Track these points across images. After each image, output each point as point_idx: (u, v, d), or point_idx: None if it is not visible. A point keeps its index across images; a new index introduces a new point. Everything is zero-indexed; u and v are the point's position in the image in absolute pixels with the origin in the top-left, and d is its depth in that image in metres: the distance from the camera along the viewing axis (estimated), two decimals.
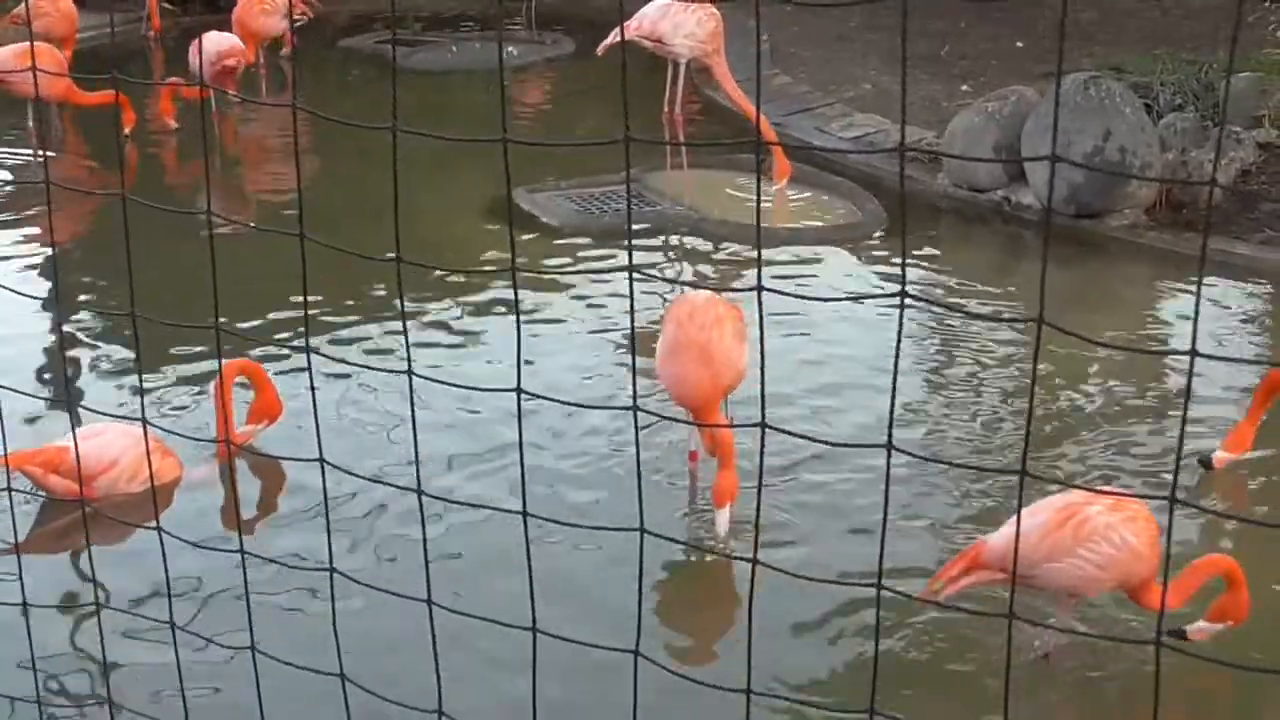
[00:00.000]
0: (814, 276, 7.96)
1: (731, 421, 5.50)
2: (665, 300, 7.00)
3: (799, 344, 6.89)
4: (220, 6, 13.21)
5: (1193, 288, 7.77)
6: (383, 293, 7.57)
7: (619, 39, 9.17)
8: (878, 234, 8.63)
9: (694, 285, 7.32)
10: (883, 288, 7.84)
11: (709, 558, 5.30)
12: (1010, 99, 9.06)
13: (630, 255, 2.45)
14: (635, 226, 8.63)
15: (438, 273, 7.35)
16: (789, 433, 2.45)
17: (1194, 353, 2.06)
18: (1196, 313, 2.30)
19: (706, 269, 8.28)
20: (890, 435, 2.18)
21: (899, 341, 2.26)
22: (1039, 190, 8.59)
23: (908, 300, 2.12)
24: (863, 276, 8.13)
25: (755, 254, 8.35)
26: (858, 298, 7.78)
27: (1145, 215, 8.43)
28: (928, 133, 9.98)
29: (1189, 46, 11.57)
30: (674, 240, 8.60)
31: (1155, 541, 4.42)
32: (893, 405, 2.24)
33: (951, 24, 13.29)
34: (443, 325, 7.25)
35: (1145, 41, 12.13)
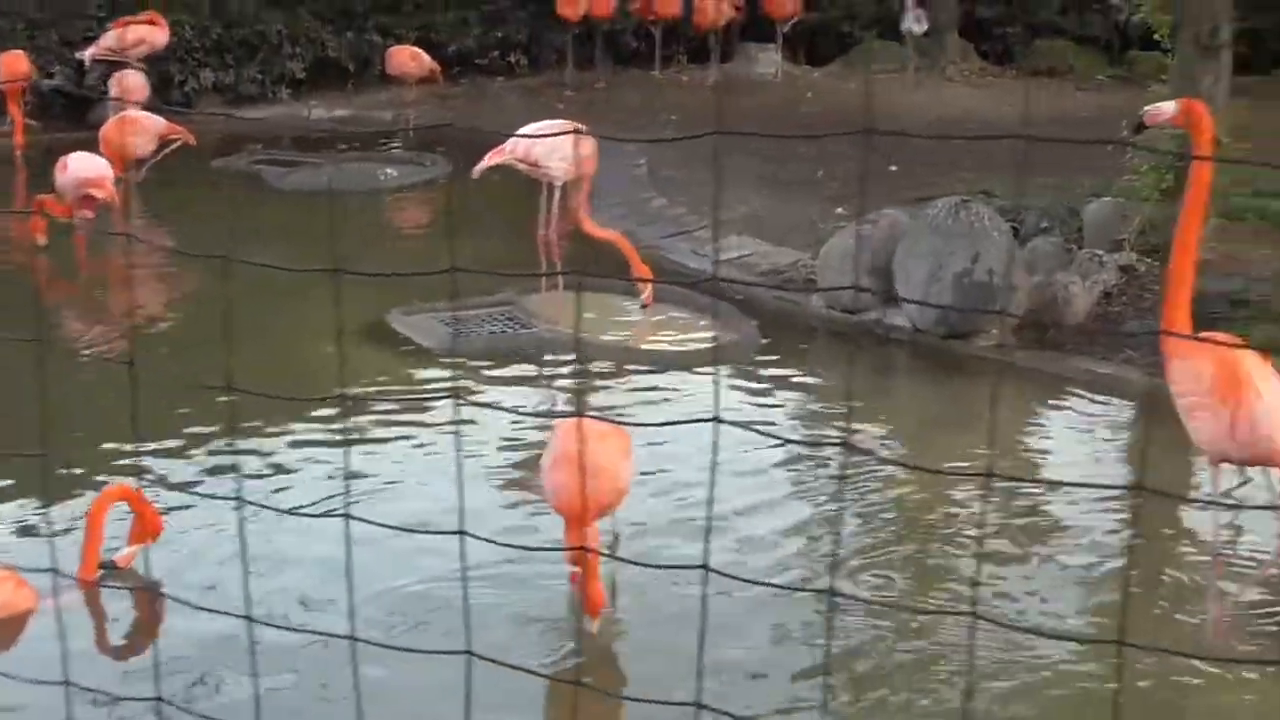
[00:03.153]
0: (690, 397, 7.98)
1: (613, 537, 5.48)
2: (547, 423, 6.97)
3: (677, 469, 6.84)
4: (88, 123, 13.15)
5: (1060, 406, 7.90)
6: (253, 422, 7.44)
7: (494, 162, 9.33)
8: (754, 356, 8.69)
9: (575, 409, 7.31)
10: (759, 410, 7.89)
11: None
12: (881, 222, 9.21)
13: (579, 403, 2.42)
14: (515, 349, 8.64)
15: (309, 399, 7.27)
16: (730, 576, 2.47)
17: (1142, 488, 2.08)
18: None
19: (583, 391, 8.27)
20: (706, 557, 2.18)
21: (713, 466, 2.27)
22: (910, 312, 8.71)
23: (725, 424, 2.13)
24: (737, 397, 8.16)
25: (629, 376, 8.39)
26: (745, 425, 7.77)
27: (1013, 335, 8.58)
28: (803, 254, 10.11)
29: (1055, 172, 11.86)
30: (550, 362, 8.59)
31: None
32: (708, 530, 2.24)
33: (825, 148, 13.52)
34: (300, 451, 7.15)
35: (1013, 167, 12.40)
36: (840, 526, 6.39)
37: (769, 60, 18.40)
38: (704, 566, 2.46)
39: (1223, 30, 9.69)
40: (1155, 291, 9.14)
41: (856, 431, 7.51)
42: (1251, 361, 5.35)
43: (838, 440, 7.16)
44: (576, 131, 8.60)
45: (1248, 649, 5.36)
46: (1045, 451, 7.65)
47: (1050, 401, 8.05)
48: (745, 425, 2.57)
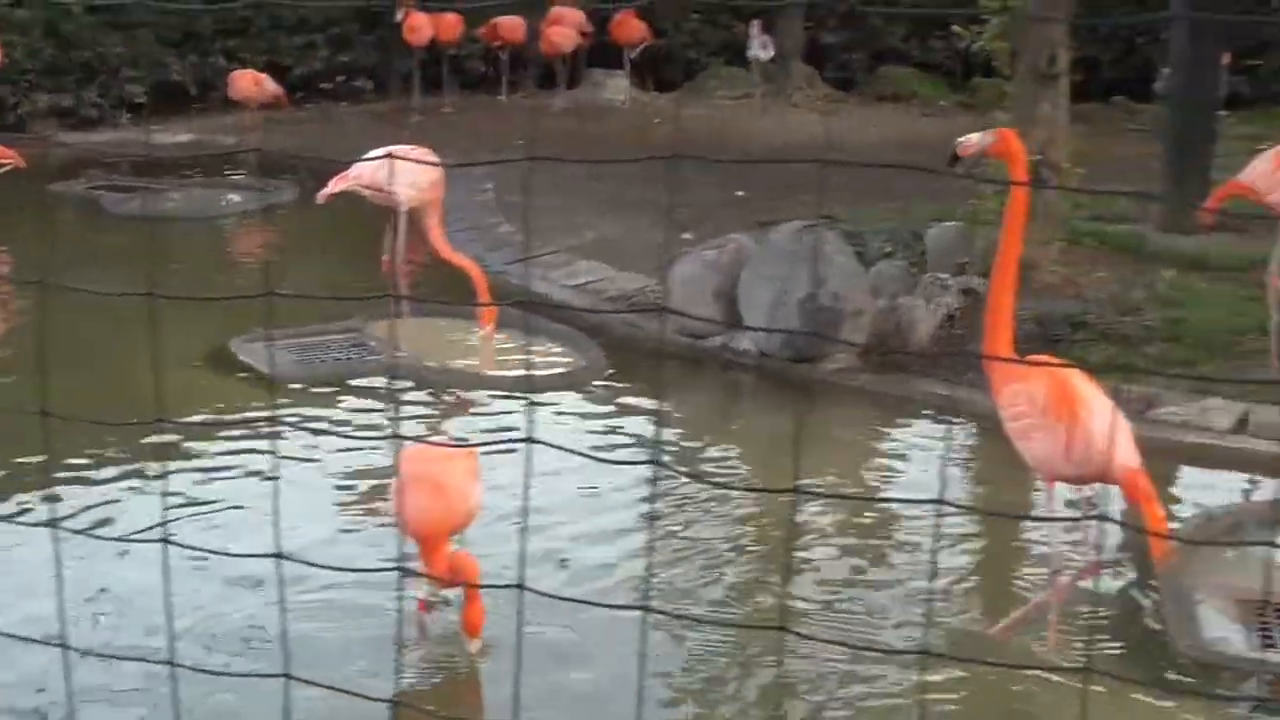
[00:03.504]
0: (533, 423, 7.90)
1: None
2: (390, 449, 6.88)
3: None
4: None
5: (905, 428, 7.97)
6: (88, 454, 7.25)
7: (339, 188, 9.20)
8: (601, 380, 8.66)
9: (428, 433, 7.23)
10: (604, 434, 7.86)
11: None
12: (727, 247, 9.24)
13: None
14: (358, 375, 8.54)
15: (146, 425, 7.09)
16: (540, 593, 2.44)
17: (941, 501, 2.07)
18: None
19: (431, 416, 8.20)
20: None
21: (527, 486, 2.24)
22: (756, 337, 8.74)
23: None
24: (583, 423, 8.12)
25: (473, 403, 8.33)
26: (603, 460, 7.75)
27: (858, 359, 8.64)
28: (649, 280, 10.11)
29: (899, 196, 12.01)
30: (397, 388, 8.49)
31: None
32: (523, 554, 2.20)
33: (674, 173, 13.54)
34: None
35: (857, 191, 12.53)
36: (677, 547, 6.39)
37: (617, 86, 18.44)
38: (519, 585, 2.44)
39: (1060, 58, 9.86)
40: None
41: (699, 453, 7.53)
42: (1079, 380, 5.44)
43: (666, 466, 7.17)
44: (423, 160, 8.53)
45: (1069, 658, 5.44)
46: (890, 472, 7.70)
47: (895, 423, 8.12)
48: (558, 446, 2.56)
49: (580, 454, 2.69)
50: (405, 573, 5.17)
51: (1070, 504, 6.11)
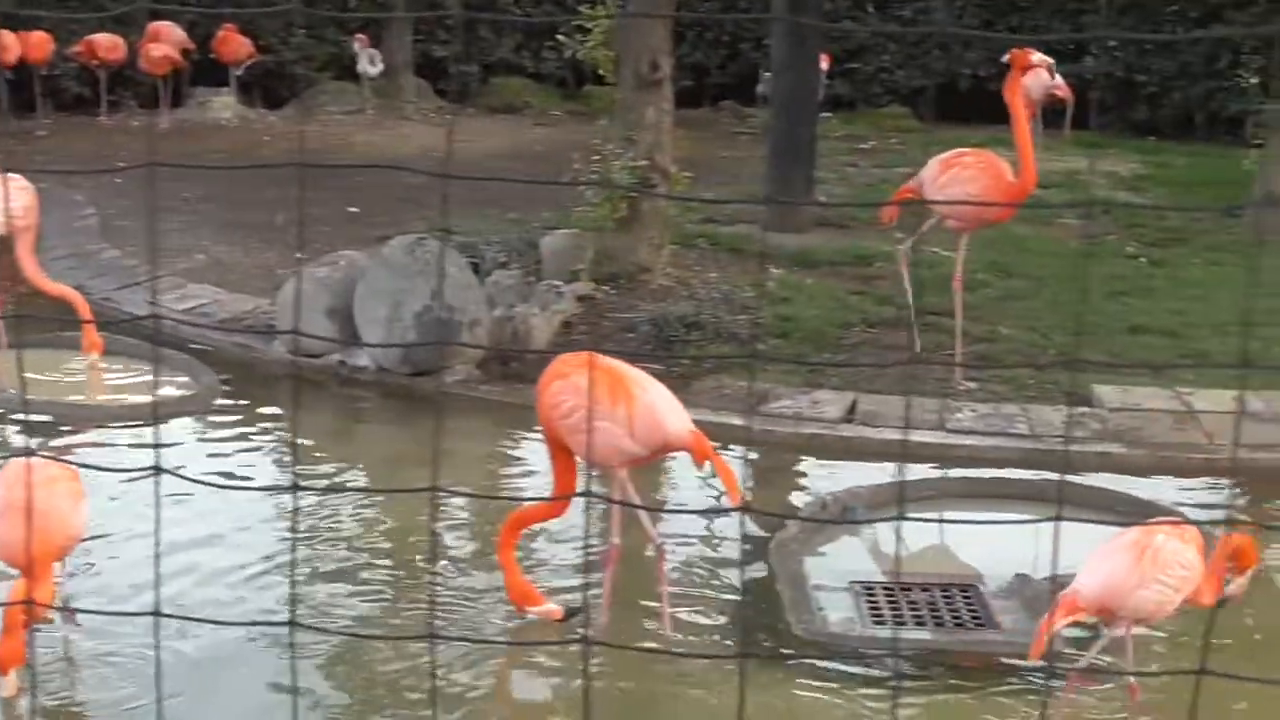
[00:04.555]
0: (148, 449, 7.63)
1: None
2: None
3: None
4: None
5: (527, 436, 7.98)
6: None
7: None
8: (215, 405, 8.41)
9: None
10: (219, 459, 7.63)
11: None
12: (340, 264, 9.10)
13: None
14: None
15: None
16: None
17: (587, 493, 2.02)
18: None
19: (32, 448, 7.81)
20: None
21: (158, 518, 2.13)
22: (373, 352, 8.63)
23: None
24: (200, 448, 7.87)
25: (81, 433, 8.00)
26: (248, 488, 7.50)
27: (478, 370, 8.61)
28: (262, 300, 9.88)
29: (514, 205, 12.06)
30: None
31: (1203, 553, 5.05)
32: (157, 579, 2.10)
33: (284, 192, 13.30)
34: None
35: (472, 203, 12.52)
36: (315, 562, 6.25)
37: (223, 104, 17.99)
38: (155, 613, 2.32)
39: (662, 64, 10.04)
40: (613, 318, 9.39)
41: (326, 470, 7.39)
42: (620, 365, 5.62)
43: (303, 484, 7.01)
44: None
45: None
46: (510, 479, 7.70)
47: (515, 432, 8.11)
48: (179, 474, 2.43)
49: (202, 482, 2.58)
50: None
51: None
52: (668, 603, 5.71)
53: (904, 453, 7.60)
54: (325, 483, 7.37)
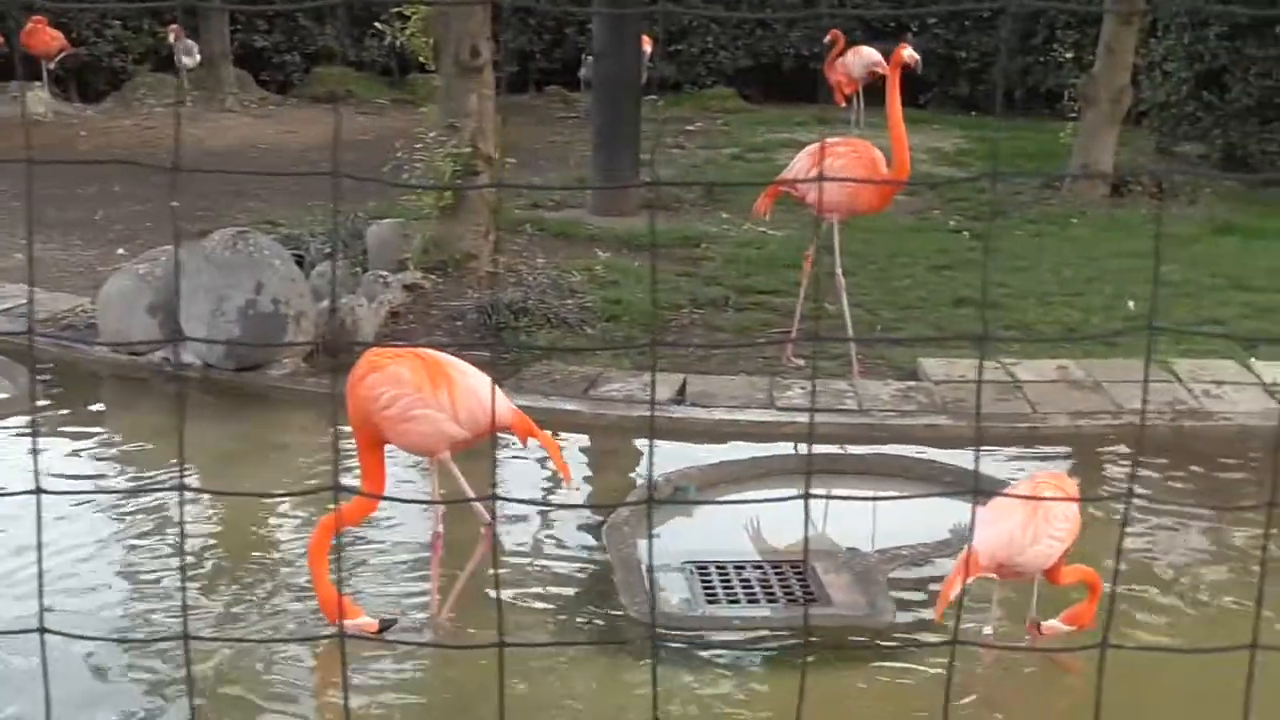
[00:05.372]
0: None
1: None
2: None
3: None
4: None
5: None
6: None
7: None
8: (36, 407, 8.20)
9: None
10: (43, 460, 7.42)
11: None
12: (161, 259, 8.92)
13: None
14: None
15: None
16: None
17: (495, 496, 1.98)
18: None
19: None
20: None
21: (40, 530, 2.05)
22: (198, 349, 8.47)
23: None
24: (15, 448, 7.66)
25: None
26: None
27: (305, 363, 8.49)
28: (83, 299, 9.66)
29: (340, 197, 11.92)
30: None
31: (1078, 501, 5.32)
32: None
33: (105, 188, 13.05)
34: None
35: (296, 194, 12.37)
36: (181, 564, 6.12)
37: (36, 99, 17.55)
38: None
39: (482, 50, 9.97)
40: (442, 307, 9.33)
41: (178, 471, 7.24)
42: (433, 352, 5.54)
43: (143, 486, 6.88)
44: None
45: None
46: (343, 472, 7.60)
47: (347, 425, 7.99)
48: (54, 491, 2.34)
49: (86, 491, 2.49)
50: None
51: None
52: (437, 585, 5.64)
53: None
54: (148, 482, 7.23)
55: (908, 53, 8.16)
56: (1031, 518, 5.14)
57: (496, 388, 5.60)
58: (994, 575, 5.24)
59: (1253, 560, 6.25)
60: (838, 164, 8.16)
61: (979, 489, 2.52)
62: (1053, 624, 5.33)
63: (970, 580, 5.11)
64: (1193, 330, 9.18)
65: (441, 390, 5.33)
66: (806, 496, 2.13)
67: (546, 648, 5.35)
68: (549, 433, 5.79)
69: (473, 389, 5.36)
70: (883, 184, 8.19)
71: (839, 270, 8.42)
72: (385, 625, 5.28)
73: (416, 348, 5.75)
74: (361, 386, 5.37)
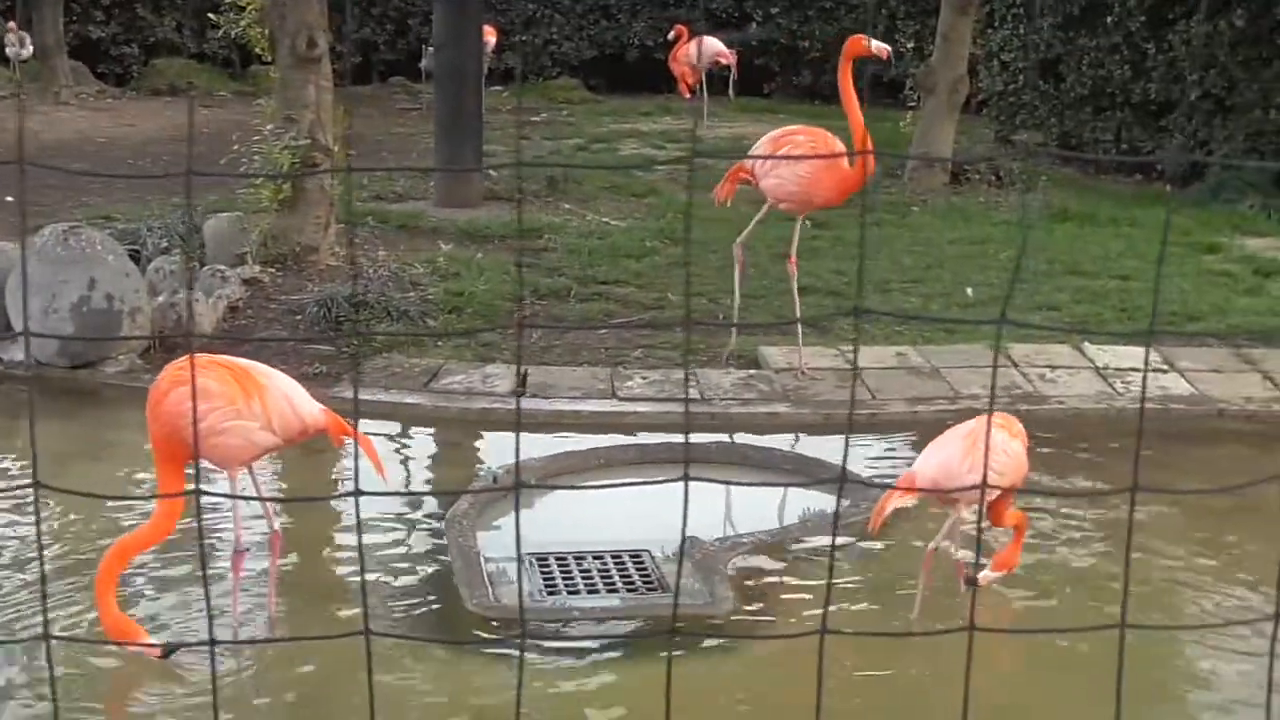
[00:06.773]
0: None
1: None
2: None
3: None
4: None
5: None
6: None
7: None
8: None
9: None
10: None
11: None
12: None
13: None
14: None
15: None
16: None
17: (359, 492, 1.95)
18: None
19: None
20: None
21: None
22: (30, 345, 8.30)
23: None
24: None
25: None
26: None
27: (140, 360, 8.36)
28: None
29: (178, 191, 11.73)
30: None
31: (1026, 445, 5.54)
32: None
33: None
34: None
35: (134, 187, 12.16)
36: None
37: None
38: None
39: (319, 41, 9.87)
40: (281, 301, 9.23)
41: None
42: (237, 360, 5.38)
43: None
44: None
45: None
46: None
47: None
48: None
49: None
50: None
51: None
52: (275, 591, 5.58)
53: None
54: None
55: (875, 45, 7.82)
56: (971, 449, 5.37)
57: (303, 391, 5.42)
58: (938, 502, 5.62)
59: (1112, 540, 6.40)
60: (795, 154, 7.91)
61: (844, 479, 2.54)
62: (986, 574, 5.54)
63: (910, 502, 5.53)
64: (1047, 327, 9.20)
65: (254, 399, 5.14)
66: (685, 479, 2.14)
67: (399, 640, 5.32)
68: (362, 431, 5.69)
69: (283, 394, 5.23)
70: (835, 156, 7.98)
71: (739, 247, 8.47)
72: (168, 651, 4.97)
73: (216, 355, 5.51)
74: (166, 402, 5.06)
